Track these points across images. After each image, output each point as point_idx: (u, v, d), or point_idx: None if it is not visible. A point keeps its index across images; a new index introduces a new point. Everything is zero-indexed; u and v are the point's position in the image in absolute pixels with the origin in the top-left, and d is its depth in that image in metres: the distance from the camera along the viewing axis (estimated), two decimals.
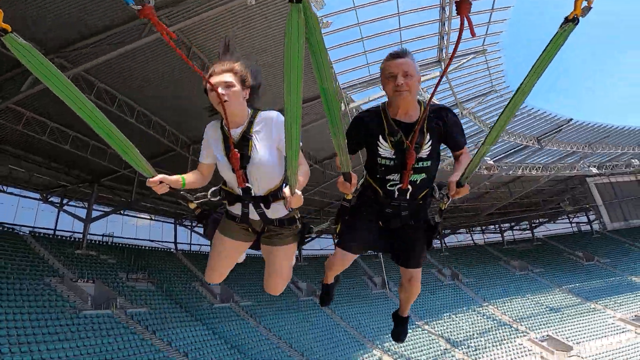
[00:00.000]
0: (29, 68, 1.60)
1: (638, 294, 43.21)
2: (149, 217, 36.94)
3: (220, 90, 2.13)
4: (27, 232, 25.40)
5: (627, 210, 40.39)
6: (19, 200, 27.31)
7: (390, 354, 30.41)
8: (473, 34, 1.52)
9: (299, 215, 2.58)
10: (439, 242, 52.09)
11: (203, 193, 2.40)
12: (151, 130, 18.92)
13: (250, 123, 2.32)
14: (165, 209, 34.43)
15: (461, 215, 46.93)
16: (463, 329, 36.58)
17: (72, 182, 25.79)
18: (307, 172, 2.30)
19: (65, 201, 28.03)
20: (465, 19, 1.43)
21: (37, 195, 27.26)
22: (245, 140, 2.28)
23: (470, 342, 34.55)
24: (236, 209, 2.46)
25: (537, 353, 34.32)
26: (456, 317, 38.57)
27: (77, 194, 27.72)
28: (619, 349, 35.05)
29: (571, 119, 32.23)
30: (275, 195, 2.34)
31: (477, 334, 35.91)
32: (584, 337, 36.09)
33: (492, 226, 57.47)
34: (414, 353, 31.13)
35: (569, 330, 37.14)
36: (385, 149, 2.41)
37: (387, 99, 2.51)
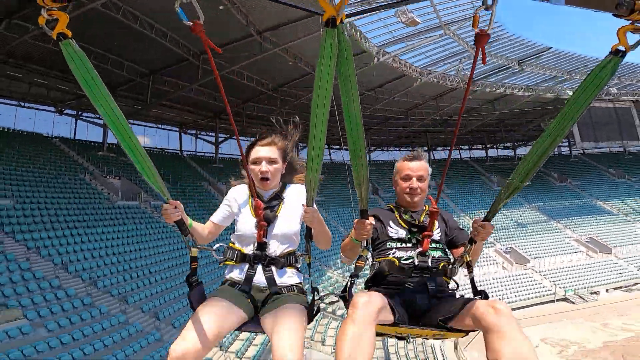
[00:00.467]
0: (76, 75, 1.61)
1: (597, 218, 47.51)
2: (155, 126, 39.95)
3: (263, 166, 2.22)
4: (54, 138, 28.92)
5: (599, 133, 42.94)
6: (35, 112, 30.25)
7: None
8: (484, 62, 1.61)
9: (312, 284, 2.32)
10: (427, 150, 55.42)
11: (206, 246, 2.27)
12: (167, 42, 21.91)
13: (282, 189, 2.36)
14: (170, 117, 37.77)
15: (450, 131, 49.93)
16: None
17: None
18: (329, 233, 2.27)
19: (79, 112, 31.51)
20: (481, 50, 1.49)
21: (53, 109, 30.39)
22: (276, 200, 2.30)
23: None
24: (239, 272, 2.23)
25: (500, 263, 39.27)
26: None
27: (91, 106, 30.69)
28: (569, 267, 39.46)
29: (550, 47, 34.05)
30: (287, 259, 2.26)
31: None
32: (541, 253, 40.59)
33: (479, 145, 60.70)
34: None
35: (530, 245, 41.63)
36: (396, 231, 2.39)
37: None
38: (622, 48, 1.38)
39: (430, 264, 2.23)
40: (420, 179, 2.40)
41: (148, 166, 1.84)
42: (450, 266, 2.27)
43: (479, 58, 1.60)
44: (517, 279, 36.60)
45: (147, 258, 20.97)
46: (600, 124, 42.40)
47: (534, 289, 35.98)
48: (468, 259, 2.16)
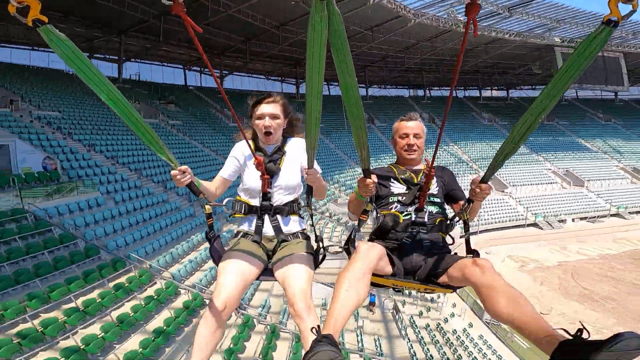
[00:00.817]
0: (63, 59, 1.59)
1: (576, 153, 50.84)
2: (160, 64, 42.76)
3: (266, 121, 2.36)
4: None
5: (584, 76, 45.19)
6: (49, 54, 33.34)
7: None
8: (476, 35, 1.56)
9: (316, 233, 2.51)
10: (423, 92, 59.60)
11: (217, 202, 2.38)
12: None
13: (284, 143, 2.49)
14: (176, 56, 40.90)
15: (446, 71, 52.80)
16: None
17: (104, 35, 32.05)
18: (325, 187, 2.43)
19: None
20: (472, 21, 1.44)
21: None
22: (278, 153, 2.43)
23: None
24: (249, 225, 2.44)
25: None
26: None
27: (108, 43, 33.83)
28: (543, 195, 43.13)
29: None
30: (291, 207, 2.43)
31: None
32: (519, 182, 44.21)
33: (474, 87, 63.10)
34: None
35: (509, 173, 45.08)
36: (397, 187, 2.52)
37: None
38: (614, 18, 1.38)
39: (426, 219, 2.40)
40: (416, 136, 2.54)
41: (153, 137, 1.90)
42: (447, 221, 2.43)
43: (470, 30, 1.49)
44: (494, 204, 40.31)
45: (175, 155, 25.43)
46: (587, 69, 44.19)
47: (508, 213, 39.87)
48: (466, 218, 2.28)
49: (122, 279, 12.49)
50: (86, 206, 15.13)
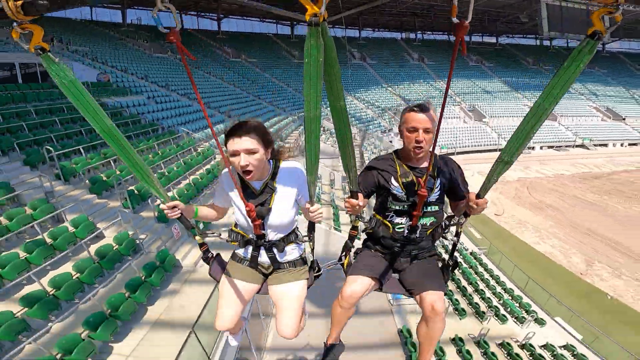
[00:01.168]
0: (62, 88, 1.60)
1: None
2: (151, 8, 50.42)
3: (242, 160, 2.02)
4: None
5: (567, 26, 47.98)
6: None
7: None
8: (464, 54, 1.53)
9: (312, 258, 2.52)
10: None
11: (212, 231, 2.44)
12: None
13: (273, 175, 2.23)
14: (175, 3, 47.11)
15: (436, 15, 55.67)
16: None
17: None
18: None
19: None
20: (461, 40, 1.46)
21: None
22: (267, 191, 2.21)
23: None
24: (245, 252, 2.43)
25: (462, 117, 48.53)
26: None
27: None
28: (516, 125, 47.51)
29: None
30: (288, 239, 2.37)
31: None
32: (497, 114, 49.11)
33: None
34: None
35: (490, 107, 50.00)
36: (397, 190, 2.41)
37: (401, 147, 2.51)
38: (597, 31, 1.39)
39: (418, 235, 2.45)
40: (426, 130, 2.26)
41: (145, 171, 1.90)
42: (440, 229, 2.47)
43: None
44: (473, 131, 45.68)
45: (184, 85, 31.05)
46: (570, 20, 46.83)
47: (484, 139, 45.23)
48: (460, 230, 2.34)
49: (173, 144, 17.33)
50: (137, 103, 20.18)
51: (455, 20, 1.44)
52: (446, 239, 2.54)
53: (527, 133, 1.68)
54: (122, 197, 10.70)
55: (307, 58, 1.41)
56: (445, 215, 2.51)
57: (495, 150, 43.75)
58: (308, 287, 2.51)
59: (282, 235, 2.34)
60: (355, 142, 34.46)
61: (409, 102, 48.53)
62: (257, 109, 32.92)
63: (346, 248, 2.67)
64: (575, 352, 12.11)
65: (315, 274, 2.56)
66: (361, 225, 2.51)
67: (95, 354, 5.94)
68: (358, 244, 2.74)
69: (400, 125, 2.39)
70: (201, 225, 9.03)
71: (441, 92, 51.86)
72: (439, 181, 2.41)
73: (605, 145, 48.04)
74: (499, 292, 15.76)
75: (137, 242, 9.13)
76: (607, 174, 39.00)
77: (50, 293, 6.65)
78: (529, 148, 44.89)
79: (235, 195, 2.27)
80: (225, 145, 2.07)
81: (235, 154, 2.03)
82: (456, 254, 2.51)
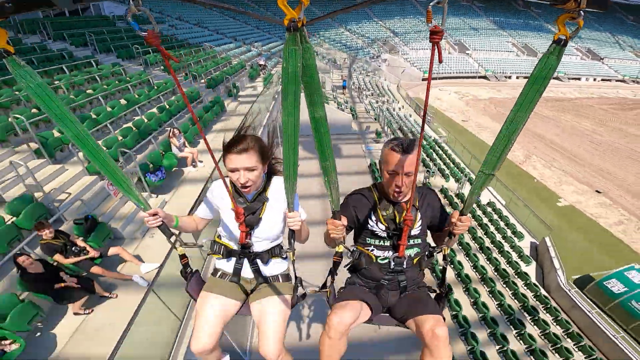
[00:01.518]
0: (29, 92, 1.54)
1: (539, 34, 59.36)
2: None
3: (242, 177, 2.05)
4: None
5: None
6: None
7: None
8: (440, 61, 1.48)
9: (295, 275, 2.42)
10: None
11: (193, 242, 2.29)
12: None
13: (266, 187, 2.23)
14: None
15: None
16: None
17: None
18: (308, 231, 2.32)
19: None
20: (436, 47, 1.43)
21: None
22: (259, 201, 2.20)
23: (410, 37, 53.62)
24: (228, 265, 2.34)
25: (447, 49, 53.38)
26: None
27: None
28: (498, 59, 52.76)
29: None
30: (272, 251, 2.31)
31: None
32: (481, 47, 53.98)
33: None
34: None
35: (475, 41, 54.84)
36: (376, 227, 2.31)
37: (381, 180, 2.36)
38: (563, 37, 1.40)
39: (405, 265, 2.32)
40: (408, 174, 2.11)
41: (121, 177, 1.84)
42: (426, 259, 2.38)
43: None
44: (456, 60, 51.00)
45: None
46: None
47: (466, 67, 50.59)
48: (446, 252, 2.29)
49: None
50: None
51: (430, 25, 1.42)
52: (434, 266, 2.69)
53: (505, 145, 1.67)
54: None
55: (285, 63, 1.38)
56: (428, 246, 2.43)
57: (474, 77, 49.02)
58: (292, 306, 2.33)
59: (267, 248, 2.29)
60: (344, 65, 38.94)
61: (399, 34, 53.52)
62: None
63: (330, 274, 2.50)
64: (495, 207, 15.94)
65: (299, 295, 2.40)
66: (345, 250, 2.25)
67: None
68: (341, 278, 2.60)
69: (380, 161, 2.24)
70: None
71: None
72: (419, 215, 2.31)
73: (579, 79, 53.12)
74: (448, 162, 19.83)
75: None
76: (570, 99, 44.75)
77: None
78: (506, 77, 50.34)
79: (226, 203, 2.21)
80: (224, 159, 2.06)
81: (235, 170, 2.03)
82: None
